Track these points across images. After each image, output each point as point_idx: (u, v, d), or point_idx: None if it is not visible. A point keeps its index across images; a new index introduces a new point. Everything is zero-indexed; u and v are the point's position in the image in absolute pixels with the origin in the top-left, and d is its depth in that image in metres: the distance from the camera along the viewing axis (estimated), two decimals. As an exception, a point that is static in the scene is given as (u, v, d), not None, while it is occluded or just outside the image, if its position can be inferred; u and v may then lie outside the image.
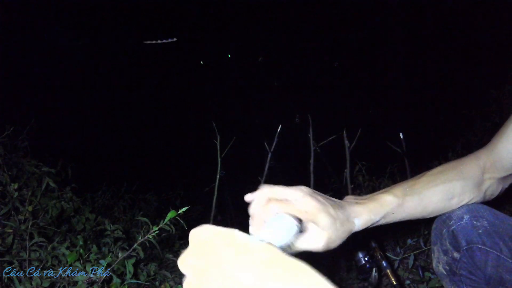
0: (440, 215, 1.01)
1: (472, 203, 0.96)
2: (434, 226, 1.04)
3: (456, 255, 0.96)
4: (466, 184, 0.91)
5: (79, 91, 5.03)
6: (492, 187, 0.94)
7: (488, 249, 0.90)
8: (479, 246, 0.91)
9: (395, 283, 1.39)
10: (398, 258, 1.87)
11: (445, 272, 1.01)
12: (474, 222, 0.93)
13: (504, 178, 0.94)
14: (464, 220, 0.94)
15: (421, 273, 1.75)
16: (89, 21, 5.31)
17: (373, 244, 1.58)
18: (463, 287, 0.97)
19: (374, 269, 1.51)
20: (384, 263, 1.48)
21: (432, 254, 1.06)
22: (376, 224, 0.81)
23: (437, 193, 0.88)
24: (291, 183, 0.74)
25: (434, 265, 1.06)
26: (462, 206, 0.97)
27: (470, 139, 3.24)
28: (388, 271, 1.45)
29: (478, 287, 0.95)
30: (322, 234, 0.71)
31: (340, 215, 0.74)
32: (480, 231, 0.92)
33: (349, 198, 0.83)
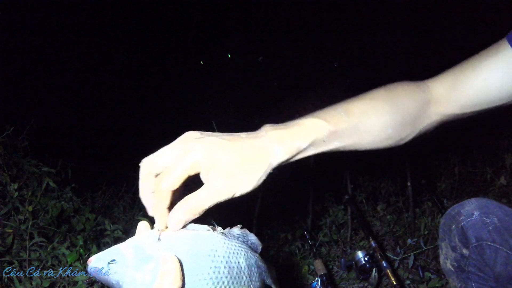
0: (449, 211, 1.00)
1: (482, 199, 0.94)
2: (442, 221, 1.03)
3: (465, 251, 0.94)
4: (401, 121, 0.76)
5: (79, 91, 5.03)
6: (433, 123, 0.82)
7: (498, 247, 0.89)
8: (489, 243, 0.89)
9: (395, 283, 1.39)
10: (398, 258, 1.86)
11: (452, 269, 1.00)
12: (484, 218, 0.91)
13: (455, 115, 0.83)
14: (474, 216, 0.92)
15: (421, 273, 1.75)
16: (90, 21, 5.31)
17: (373, 244, 1.58)
18: (471, 284, 0.96)
19: (374, 269, 1.51)
20: (384, 263, 1.48)
21: (440, 250, 1.05)
22: (304, 154, 0.65)
23: (375, 125, 0.73)
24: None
25: (441, 261, 1.05)
26: (471, 202, 0.95)
27: (470, 139, 3.23)
28: (388, 271, 1.45)
29: (487, 284, 0.94)
30: (226, 182, 0.56)
31: (247, 147, 0.58)
32: (490, 228, 0.90)
33: (266, 125, 0.66)
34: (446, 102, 0.80)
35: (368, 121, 0.72)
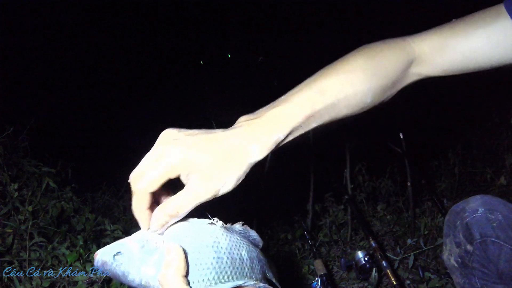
0: (454, 207, 1.00)
1: (487, 196, 0.95)
2: (447, 218, 1.04)
3: (469, 247, 0.95)
4: (381, 88, 0.73)
5: (79, 91, 5.03)
6: (412, 83, 0.79)
7: (502, 243, 0.89)
8: (493, 239, 0.90)
9: (395, 283, 1.39)
10: (398, 258, 1.87)
11: (456, 265, 1.01)
12: (489, 215, 0.92)
13: (436, 77, 0.79)
14: (478, 212, 0.93)
15: (421, 273, 1.75)
16: (89, 21, 5.31)
17: (373, 244, 1.58)
18: (475, 280, 0.97)
19: (374, 269, 1.51)
20: (384, 263, 1.48)
21: (444, 247, 1.06)
22: (282, 143, 0.64)
23: (352, 99, 0.70)
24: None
25: (445, 257, 1.06)
26: (476, 198, 0.95)
27: (470, 139, 3.24)
28: (388, 271, 1.45)
29: (490, 280, 0.95)
30: (205, 184, 0.55)
31: (225, 147, 0.57)
32: (494, 224, 0.91)
33: (241, 119, 0.64)
34: (429, 63, 0.76)
35: (345, 96, 0.68)
